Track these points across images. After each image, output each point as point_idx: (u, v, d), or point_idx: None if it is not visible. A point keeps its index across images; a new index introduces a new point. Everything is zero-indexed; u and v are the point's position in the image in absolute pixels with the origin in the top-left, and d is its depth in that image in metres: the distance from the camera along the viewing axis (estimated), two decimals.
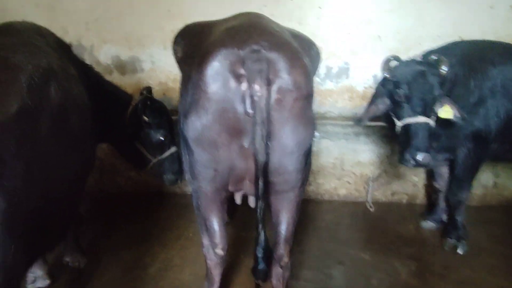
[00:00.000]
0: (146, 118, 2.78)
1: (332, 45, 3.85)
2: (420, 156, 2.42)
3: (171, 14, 4.01)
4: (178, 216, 3.39)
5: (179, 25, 4.10)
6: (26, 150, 1.26)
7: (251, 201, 2.25)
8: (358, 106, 4.06)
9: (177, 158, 3.03)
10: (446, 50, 2.83)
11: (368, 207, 3.56)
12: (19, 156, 1.23)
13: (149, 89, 2.96)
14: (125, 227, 3.19)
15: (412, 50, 3.69)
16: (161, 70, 4.14)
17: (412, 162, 2.46)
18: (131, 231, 3.14)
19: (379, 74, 3.90)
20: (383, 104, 2.72)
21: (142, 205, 3.57)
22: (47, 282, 2.31)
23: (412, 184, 3.66)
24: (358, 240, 3.12)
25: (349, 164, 3.62)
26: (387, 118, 2.78)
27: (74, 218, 2.05)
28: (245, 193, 2.13)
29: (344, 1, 3.84)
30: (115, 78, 3.88)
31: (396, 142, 3.43)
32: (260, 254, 1.86)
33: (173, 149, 2.96)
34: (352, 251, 2.96)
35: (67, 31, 3.90)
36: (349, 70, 3.95)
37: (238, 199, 2.20)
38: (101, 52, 4.01)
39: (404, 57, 3.81)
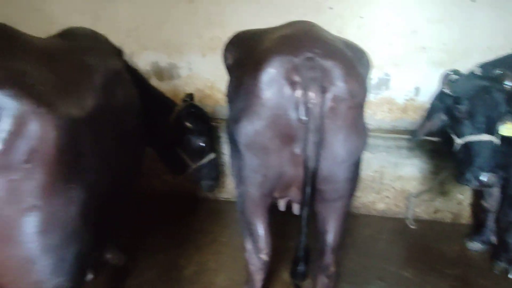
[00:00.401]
0: (189, 125, 2.94)
1: (372, 55, 3.92)
2: (484, 177, 2.37)
3: (210, 23, 4.21)
4: (212, 221, 3.53)
5: (217, 33, 4.34)
6: (99, 146, 1.41)
7: (296, 209, 2.34)
8: (398, 119, 4.10)
9: (215, 165, 3.17)
10: (502, 63, 2.81)
11: (409, 223, 3.56)
12: (95, 151, 1.38)
13: (191, 96, 3.13)
14: (160, 229, 3.33)
15: (459, 62, 3.71)
16: (198, 77, 4.34)
17: (475, 182, 2.41)
18: (166, 233, 3.28)
19: (422, 86, 4.00)
20: (439, 120, 2.71)
21: (176, 208, 3.73)
22: (90, 276, 2.45)
23: (456, 202, 3.63)
24: (398, 256, 3.13)
25: (389, 178, 3.64)
26: (443, 134, 2.78)
27: (124, 217, 2.20)
28: (290, 200, 2.22)
29: (387, 11, 3.92)
30: (153, 84, 4.09)
31: (442, 158, 3.45)
32: (301, 256, 1.97)
33: (212, 156, 3.10)
34: (393, 268, 2.97)
35: (109, 37, 4.17)
36: (390, 82, 4.00)
37: (282, 206, 2.29)
38: (140, 58, 4.24)
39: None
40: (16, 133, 1.11)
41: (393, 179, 3.63)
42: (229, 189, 3.89)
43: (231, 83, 2.23)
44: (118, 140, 1.61)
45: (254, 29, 2.39)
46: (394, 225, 3.59)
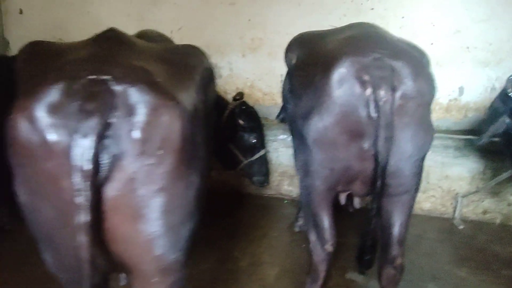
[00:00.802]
0: (241, 122, 3.18)
1: None
2: None
3: (251, 24, 4.45)
4: (260, 216, 3.74)
5: (258, 34, 4.56)
6: (202, 137, 1.63)
7: (356, 202, 2.53)
8: (441, 119, 4.25)
9: (265, 161, 3.41)
10: None
11: (456, 224, 3.69)
12: (201, 142, 1.60)
13: (242, 95, 3.36)
14: (211, 222, 3.50)
15: (505, 62, 3.86)
16: (238, 76, 4.58)
17: None
18: (217, 226, 3.45)
19: (467, 86, 4.14)
20: (503, 123, 2.87)
21: (223, 204, 3.92)
22: None
23: (507, 203, 3.72)
24: (450, 256, 3.25)
25: (435, 178, 3.78)
26: (506, 136, 2.93)
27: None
28: (352, 193, 2.41)
29: (430, 11, 4.08)
30: None
31: (491, 158, 3.58)
32: (368, 245, 2.17)
33: (262, 152, 3.33)
34: (446, 266, 3.10)
35: None
36: None
37: (342, 200, 2.48)
38: None
39: (496, 69, 4.00)
40: (151, 124, 1.33)
41: (440, 179, 3.77)
42: (273, 186, 4.09)
43: (295, 82, 2.42)
44: (209, 134, 1.83)
45: (315, 31, 2.59)
46: (441, 224, 3.72)
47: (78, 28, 4.67)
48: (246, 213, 3.79)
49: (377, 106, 1.94)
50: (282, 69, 4.23)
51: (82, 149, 1.27)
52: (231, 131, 3.21)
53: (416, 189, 2.22)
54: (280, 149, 3.96)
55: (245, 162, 3.29)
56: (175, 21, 4.46)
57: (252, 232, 3.46)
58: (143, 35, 2.29)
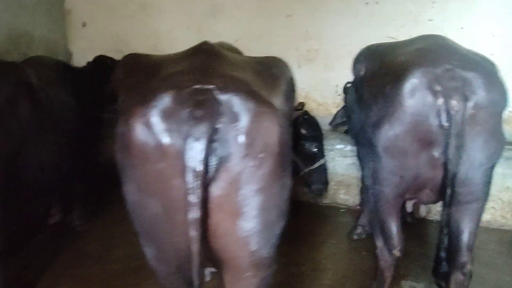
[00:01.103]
0: (303, 131, 3.31)
1: None
2: None
3: (307, 35, 4.60)
4: (318, 224, 3.85)
5: (315, 45, 4.68)
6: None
7: (423, 210, 2.59)
8: None
9: (325, 170, 3.51)
10: None
11: None
12: (290, 146, 1.75)
13: (303, 104, 3.51)
14: None
15: None
16: None
17: None
18: None
19: None
20: None
21: None
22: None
23: None
24: (511, 267, 3.23)
25: (496, 189, 3.72)
26: None
27: None
28: (419, 201, 2.48)
29: (489, 21, 4.07)
30: None
31: None
32: (443, 256, 2.20)
33: (322, 161, 3.44)
34: (508, 277, 3.08)
35: None
36: None
37: (409, 207, 2.55)
38: None
39: None
40: (254, 129, 1.49)
41: (500, 190, 3.74)
42: (329, 195, 4.18)
43: (365, 92, 2.52)
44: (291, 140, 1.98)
45: (383, 43, 2.69)
46: (501, 236, 3.69)
47: (139, 40, 4.99)
48: (304, 220, 3.88)
49: (448, 115, 2.02)
50: (337, 80, 4.39)
51: (195, 151, 1.45)
52: (292, 139, 3.33)
53: (486, 198, 2.28)
54: (336, 159, 4.06)
55: (305, 170, 3.41)
56: (232, 32, 4.67)
57: (312, 239, 3.56)
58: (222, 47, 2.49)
